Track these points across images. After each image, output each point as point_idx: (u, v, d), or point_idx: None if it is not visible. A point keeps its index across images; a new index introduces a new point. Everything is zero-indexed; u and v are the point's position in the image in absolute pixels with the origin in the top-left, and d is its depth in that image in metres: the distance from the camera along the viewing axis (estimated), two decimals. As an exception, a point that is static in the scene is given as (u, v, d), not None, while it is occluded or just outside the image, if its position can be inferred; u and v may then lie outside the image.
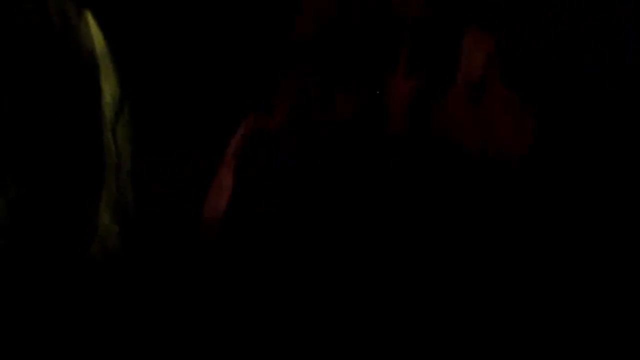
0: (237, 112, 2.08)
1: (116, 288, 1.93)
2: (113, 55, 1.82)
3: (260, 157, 2.05)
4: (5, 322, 1.78)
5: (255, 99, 2.07)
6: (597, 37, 1.97)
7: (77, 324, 1.88)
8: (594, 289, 1.90)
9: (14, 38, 1.76)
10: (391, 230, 1.99)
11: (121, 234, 1.93)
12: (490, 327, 1.91)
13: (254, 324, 1.98)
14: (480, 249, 1.94)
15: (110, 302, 1.93)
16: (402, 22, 2.08)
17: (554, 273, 1.91)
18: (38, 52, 1.79)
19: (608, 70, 1.99)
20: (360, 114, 2.11)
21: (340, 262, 1.98)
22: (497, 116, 2.03)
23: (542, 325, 1.91)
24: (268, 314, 1.96)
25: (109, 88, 1.84)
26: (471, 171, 2.02)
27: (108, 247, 1.92)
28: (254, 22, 2.05)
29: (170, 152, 2.07)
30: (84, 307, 1.90)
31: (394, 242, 1.98)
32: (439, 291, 1.93)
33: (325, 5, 2.09)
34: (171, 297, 2.00)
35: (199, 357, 1.96)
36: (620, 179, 1.92)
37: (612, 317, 1.88)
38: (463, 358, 1.90)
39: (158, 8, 1.96)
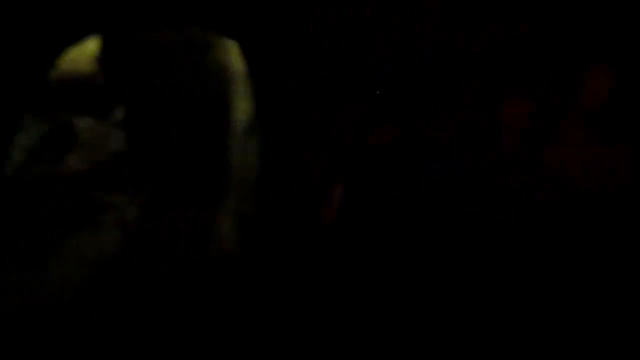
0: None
1: (233, 287, 2.00)
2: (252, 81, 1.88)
3: (369, 171, 2.11)
4: (128, 319, 1.87)
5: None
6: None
7: (196, 320, 1.96)
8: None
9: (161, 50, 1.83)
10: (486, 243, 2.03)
11: (239, 241, 2.01)
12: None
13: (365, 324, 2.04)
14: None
15: (226, 302, 2.01)
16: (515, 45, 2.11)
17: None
18: (177, 63, 1.85)
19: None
20: (475, 131, 2.15)
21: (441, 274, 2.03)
22: (607, 150, 2.05)
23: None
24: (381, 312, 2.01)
25: (242, 106, 1.90)
26: (581, 201, 2.05)
27: (226, 250, 2.00)
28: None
29: (292, 169, 2.13)
30: (201, 304, 1.98)
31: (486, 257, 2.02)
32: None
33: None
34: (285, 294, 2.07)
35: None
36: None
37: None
38: None
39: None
